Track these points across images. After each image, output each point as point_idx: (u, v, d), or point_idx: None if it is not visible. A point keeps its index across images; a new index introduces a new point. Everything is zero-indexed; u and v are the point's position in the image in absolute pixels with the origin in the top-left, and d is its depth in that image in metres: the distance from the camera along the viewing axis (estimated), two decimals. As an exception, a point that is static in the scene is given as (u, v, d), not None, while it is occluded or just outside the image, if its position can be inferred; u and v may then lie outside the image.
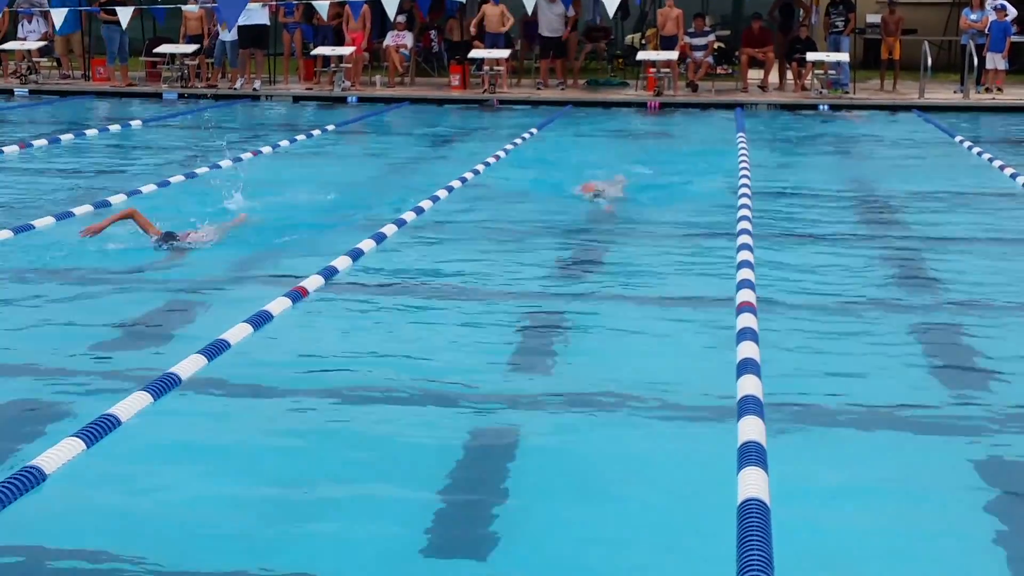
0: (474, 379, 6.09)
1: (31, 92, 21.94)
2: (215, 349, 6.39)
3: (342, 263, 8.45)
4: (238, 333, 6.69)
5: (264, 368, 6.33)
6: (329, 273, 8.16)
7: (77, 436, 5.07)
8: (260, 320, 6.98)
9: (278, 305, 7.29)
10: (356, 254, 8.75)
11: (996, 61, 20.73)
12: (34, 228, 9.71)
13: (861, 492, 4.83)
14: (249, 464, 5.10)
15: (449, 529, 4.49)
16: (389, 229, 9.69)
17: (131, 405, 5.48)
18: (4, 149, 14.47)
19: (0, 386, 5.99)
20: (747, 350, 6.25)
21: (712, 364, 6.31)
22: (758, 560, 3.86)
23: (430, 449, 5.21)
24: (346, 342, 6.83)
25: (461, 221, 10.34)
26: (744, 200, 10.85)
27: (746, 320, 6.83)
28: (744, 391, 5.62)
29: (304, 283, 7.79)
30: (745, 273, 7.98)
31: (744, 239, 9.11)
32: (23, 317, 7.20)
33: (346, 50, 21.55)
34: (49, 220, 9.99)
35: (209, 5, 21.36)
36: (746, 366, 5.99)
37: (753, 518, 4.20)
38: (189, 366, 6.08)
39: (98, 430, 5.18)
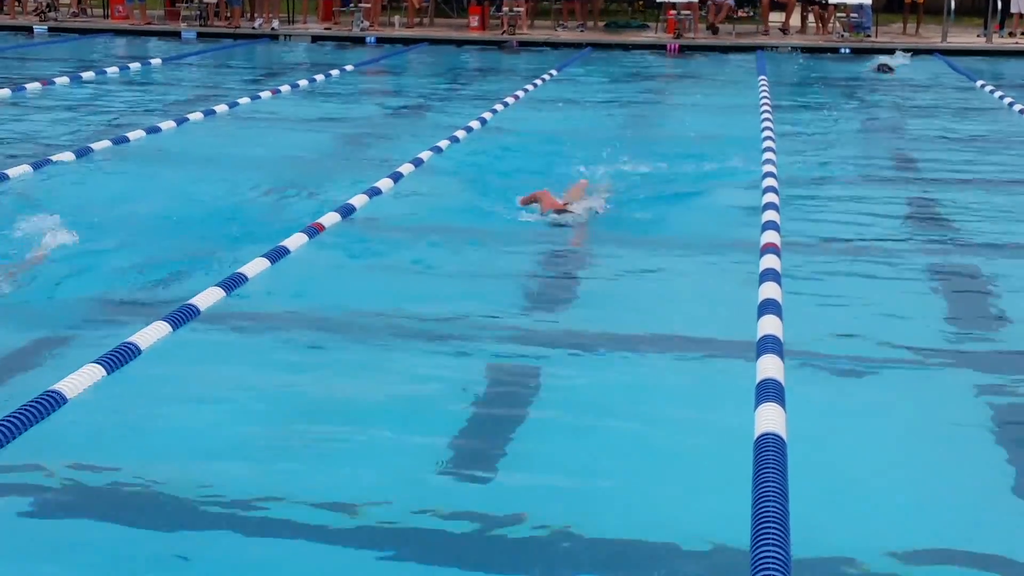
0: (492, 317, 6.08)
1: (50, 30, 21.88)
2: (233, 282, 6.41)
3: (359, 200, 8.44)
4: (255, 267, 6.70)
5: (281, 302, 6.34)
6: (346, 210, 8.15)
7: (98, 363, 5.11)
8: (277, 255, 6.98)
9: (295, 240, 7.29)
10: (373, 192, 8.74)
11: (1020, 5, 20.48)
12: (53, 163, 9.71)
13: (877, 430, 4.82)
14: (263, 395, 5.10)
15: (464, 463, 4.48)
16: (406, 168, 9.66)
17: (150, 334, 5.51)
18: (26, 86, 14.46)
19: (24, 316, 6.02)
20: (769, 291, 6.23)
21: (734, 305, 6.29)
22: (774, 492, 3.86)
23: (445, 385, 5.22)
24: (362, 278, 6.84)
25: (479, 162, 10.29)
26: (767, 143, 10.76)
27: (769, 261, 6.81)
28: (764, 331, 5.60)
29: (321, 219, 7.78)
30: (770, 215, 7.95)
31: (769, 182, 9.06)
32: (47, 247, 7.20)
33: (365, -10, 21.40)
34: (69, 155, 10.00)
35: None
36: (767, 306, 5.97)
37: (769, 452, 4.20)
38: (207, 298, 6.10)
39: (118, 357, 5.22)
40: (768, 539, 3.54)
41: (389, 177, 9.23)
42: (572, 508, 4.07)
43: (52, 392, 4.80)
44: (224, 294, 6.23)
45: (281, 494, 4.13)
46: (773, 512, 3.71)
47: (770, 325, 5.65)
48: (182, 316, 5.82)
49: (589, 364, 5.50)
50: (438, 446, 4.57)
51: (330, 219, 7.87)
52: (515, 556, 3.74)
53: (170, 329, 5.65)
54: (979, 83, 15.77)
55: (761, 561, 3.43)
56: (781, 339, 5.48)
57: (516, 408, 5.01)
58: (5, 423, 4.49)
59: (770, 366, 5.09)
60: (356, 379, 5.31)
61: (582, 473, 4.37)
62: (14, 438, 4.45)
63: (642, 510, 4.08)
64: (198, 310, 5.94)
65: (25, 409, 4.62)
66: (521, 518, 3.99)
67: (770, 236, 7.38)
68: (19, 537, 3.87)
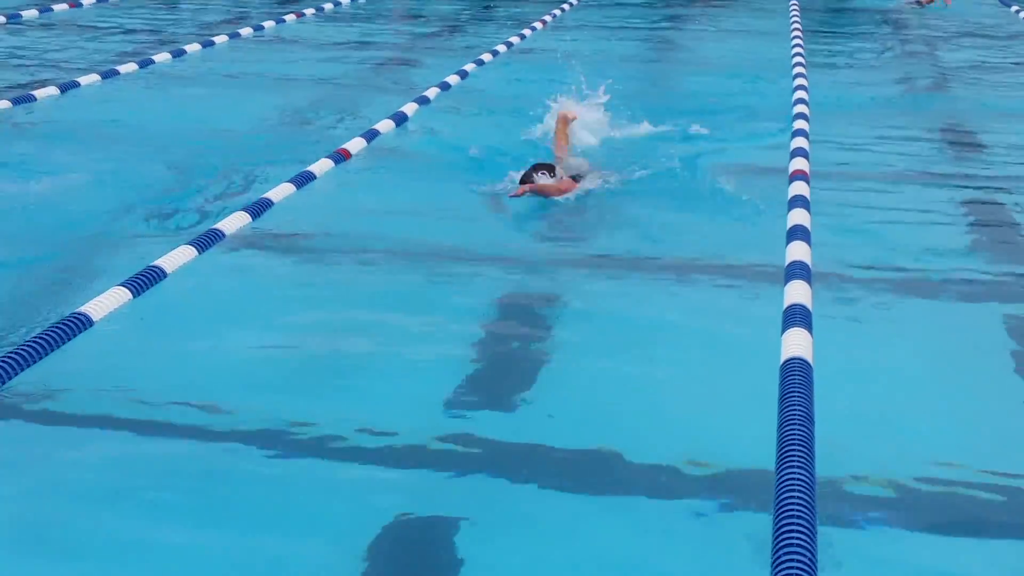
0: (521, 242, 6.03)
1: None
2: (259, 207, 6.40)
3: (385, 126, 8.39)
4: (281, 192, 6.69)
5: (306, 227, 6.32)
6: (371, 135, 8.11)
7: (124, 286, 5.12)
8: (303, 180, 6.96)
9: (321, 166, 7.26)
10: (399, 117, 8.68)
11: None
12: (79, 86, 9.69)
13: (903, 355, 4.78)
14: (288, 320, 5.09)
15: (489, 383, 4.49)
16: (432, 92, 9.58)
17: (176, 258, 5.52)
18: (52, 7, 14.39)
19: (51, 238, 6.04)
20: (798, 217, 6.17)
21: (762, 232, 6.24)
22: (799, 415, 3.84)
23: (473, 310, 5.21)
24: (388, 203, 6.79)
25: (506, 87, 10.18)
26: (798, 69, 10.59)
27: (798, 188, 6.74)
28: (792, 256, 5.55)
29: (347, 145, 7.74)
30: (799, 142, 7.86)
31: (799, 108, 8.94)
32: (73, 173, 7.21)
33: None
34: (95, 77, 9.97)
35: None
36: (796, 232, 5.91)
37: (796, 376, 4.18)
38: (233, 222, 6.09)
39: (144, 281, 5.23)
40: (793, 461, 3.53)
41: (415, 101, 9.15)
42: (600, 431, 4.07)
43: (78, 314, 4.82)
44: (250, 219, 6.22)
45: (305, 419, 4.13)
46: (798, 435, 3.70)
47: (798, 251, 5.60)
48: (207, 240, 5.81)
49: (618, 290, 5.47)
50: (467, 371, 4.56)
51: (356, 144, 7.83)
52: (546, 479, 3.73)
53: (195, 253, 5.65)
54: (1014, 8, 15.43)
55: (786, 482, 3.42)
56: (809, 265, 5.43)
57: (547, 333, 4.99)
58: (32, 344, 4.52)
59: (797, 291, 5.05)
60: (382, 304, 5.30)
61: (611, 396, 4.36)
62: (40, 359, 4.48)
63: (668, 433, 4.06)
64: (223, 234, 5.94)
65: (51, 331, 4.65)
66: (552, 442, 3.98)
67: (799, 163, 7.30)
68: (42, 460, 3.89)
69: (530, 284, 5.55)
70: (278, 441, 3.97)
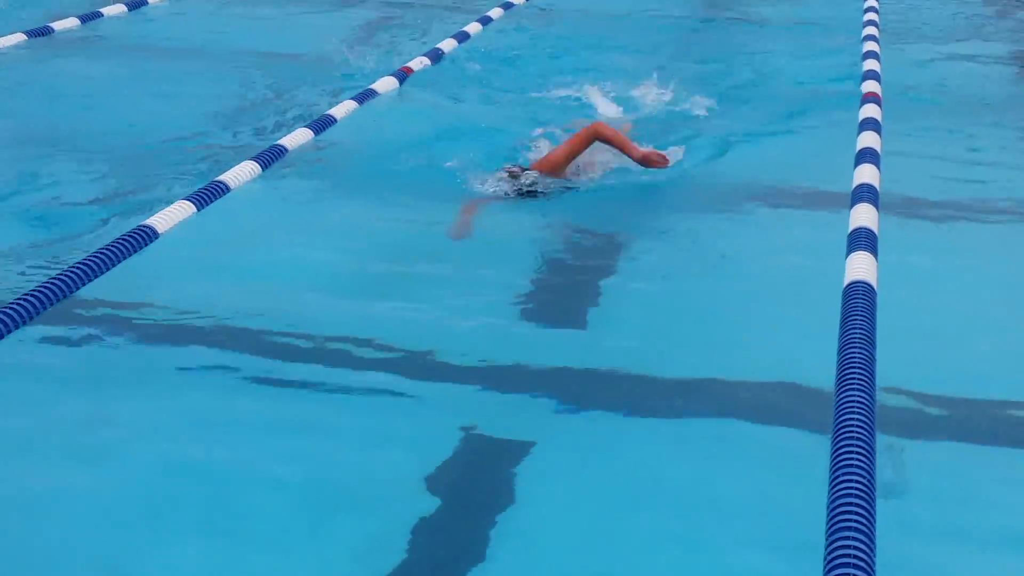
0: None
1: None
2: (322, 124, 6.41)
3: (448, 45, 8.33)
4: (343, 109, 6.69)
5: (368, 144, 6.32)
6: (435, 55, 8.06)
7: (188, 199, 5.17)
8: (365, 97, 6.96)
9: (384, 84, 7.24)
10: (462, 36, 8.61)
11: None
12: (148, 4, 9.72)
13: (968, 283, 4.69)
14: (350, 233, 5.10)
15: (555, 307, 4.46)
16: (496, 13, 9.48)
17: (240, 173, 5.55)
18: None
19: (116, 152, 6.10)
20: (867, 140, 6.05)
21: (830, 156, 6.13)
22: (860, 338, 3.79)
23: (536, 230, 5.18)
24: (450, 120, 6.75)
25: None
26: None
27: (869, 111, 6.60)
28: (860, 179, 5.45)
29: (410, 63, 7.70)
30: (871, 64, 7.68)
31: (870, 30, 8.71)
32: (137, 91, 7.27)
33: None
34: (161, -2, 10.01)
35: None
36: (865, 155, 5.80)
37: (858, 299, 4.12)
38: (296, 139, 6.11)
39: (208, 195, 5.28)
40: (853, 384, 3.49)
41: (478, 22, 9.07)
42: (663, 355, 4.03)
43: (144, 227, 4.88)
44: (312, 135, 6.23)
45: (369, 335, 4.14)
46: (859, 358, 3.65)
47: (866, 174, 5.49)
48: (270, 156, 5.84)
49: (682, 215, 5.39)
50: (529, 289, 4.54)
51: (419, 63, 7.78)
52: (610, 403, 3.72)
53: (259, 169, 5.68)
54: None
55: (845, 405, 3.39)
56: (877, 188, 5.33)
57: (613, 258, 4.94)
58: (99, 255, 4.59)
59: (863, 215, 4.96)
60: (443, 221, 5.29)
61: (674, 321, 4.33)
62: (107, 270, 4.55)
63: (731, 357, 4.02)
64: (285, 149, 5.96)
65: (118, 242, 4.72)
66: (616, 366, 3.96)
67: (870, 86, 7.14)
68: (110, 368, 3.96)
69: (597, 209, 5.48)
70: (344, 358, 3.98)
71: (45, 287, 4.28)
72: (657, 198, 5.61)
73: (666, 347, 4.10)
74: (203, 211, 5.17)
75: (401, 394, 3.77)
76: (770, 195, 5.59)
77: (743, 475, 3.34)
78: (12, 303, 4.12)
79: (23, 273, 4.59)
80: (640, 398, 3.75)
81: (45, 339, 4.06)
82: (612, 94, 7.04)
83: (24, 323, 4.07)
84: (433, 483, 3.27)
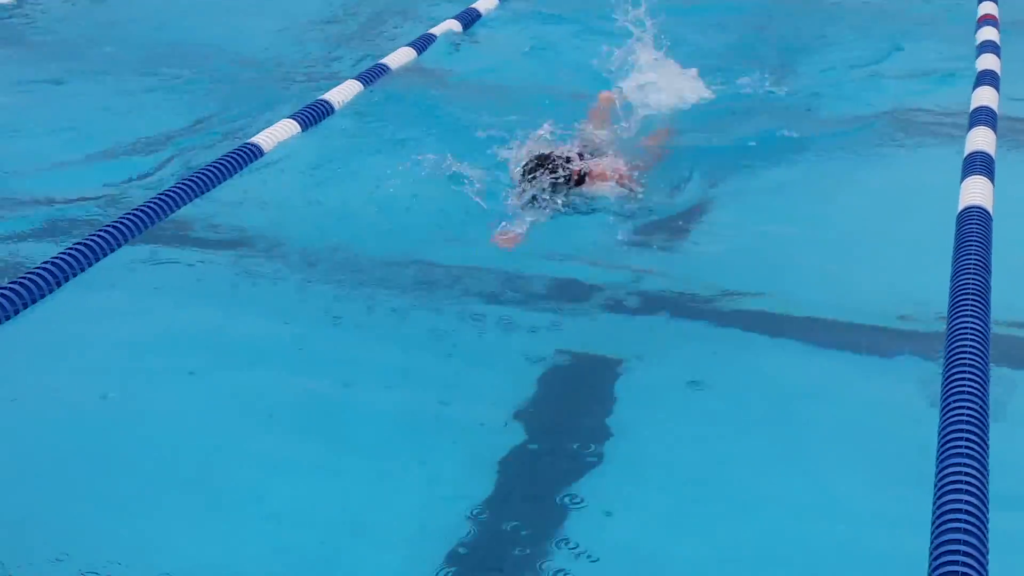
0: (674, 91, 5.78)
1: None
2: (423, 42, 6.39)
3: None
4: (443, 27, 6.67)
5: (468, 64, 6.28)
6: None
7: (292, 118, 5.21)
8: (467, 17, 6.91)
9: (484, 3, 7.18)
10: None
11: None
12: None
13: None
14: (448, 148, 4.99)
15: (658, 235, 4.36)
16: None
17: (343, 92, 5.56)
18: None
19: (222, 72, 6.16)
20: (987, 62, 5.82)
21: (947, 80, 5.91)
22: (975, 264, 3.67)
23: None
24: (554, 42, 6.65)
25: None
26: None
27: (987, 33, 6.35)
28: (978, 102, 5.25)
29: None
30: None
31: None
32: (240, 10, 7.32)
33: None
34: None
35: None
36: (984, 77, 5.58)
37: (973, 224, 3.99)
38: (398, 58, 6.10)
39: (312, 114, 5.30)
40: (966, 310, 3.39)
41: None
42: (772, 282, 3.95)
43: (249, 144, 4.93)
44: (415, 54, 6.22)
45: (468, 260, 4.14)
46: (974, 284, 3.54)
47: (985, 96, 5.29)
48: (373, 74, 5.84)
49: (791, 140, 5.24)
50: (642, 224, 4.43)
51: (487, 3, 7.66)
52: (718, 331, 3.67)
53: (361, 87, 5.69)
54: None
55: (958, 332, 3.29)
56: (996, 112, 5.13)
57: (721, 182, 4.81)
58: (208, 170, 4.66)
59: (981, 138, 4.79)
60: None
61: (784, 248, 4.24)
62: (216, 185, 4.62)
63: (841, 283, 3.93)
64: (388, 68, 5.96)
65: (226, 159, 4.78)
66: (726, 286, 3.93)
67: (988, 7, 6.86)
68: (217, 273, 4.05)
69: (708, 135, 5.34)
70: (446, 287, 3.96)
71: (152, 204, 4.37)
72: (762, 119, 5.46)
73: (774, 275, 4.01)
74: (308, 130, 5.20)
75: (507, 321, 3.74)
76: (884, 120, 5.42)
77: (855, 404, 3.28)
78: (120, 218, 4.21)
79: (128, 191, 4.69)
80: (755, 328, 3.68)
81: (153, 256, 4.14)
82: None
83: (131, 238, 4.16)
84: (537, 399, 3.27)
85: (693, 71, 5.73)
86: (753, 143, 5.11)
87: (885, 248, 4.15)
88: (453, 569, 2.62)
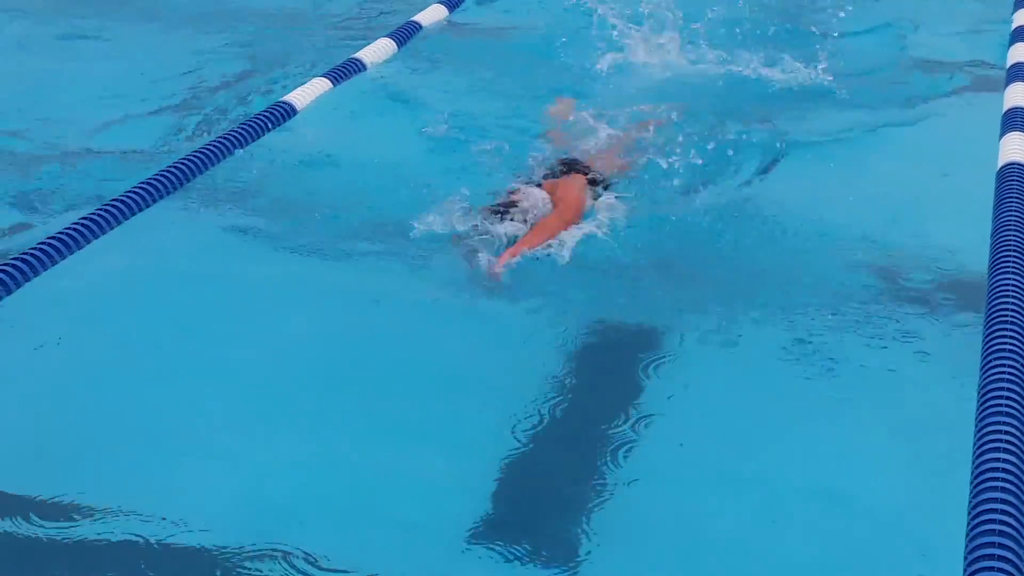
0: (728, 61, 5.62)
1: None
2: (454, 0, 6.37)
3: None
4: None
5: (500, 20, 6.24)
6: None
7: (325, 76, 5.20)
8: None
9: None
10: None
11: None
12: None
13: None
14: (481, 106, 5.04)
15: (710, 171, 4.32)
16: None
17: (376, 51, 5.55)
18: None
19: (258, 32, 6.15)
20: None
21: (983, 36, 5.83)
22: (1015, 221, 3.64)
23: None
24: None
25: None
26: None
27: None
28: (1016, 58, 5.18)
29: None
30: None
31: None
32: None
33: None
34: None
35: None
36: (1021, 33, 5.50)
37: (1013, 181, 3.94)
38: (430, 15, 6.08)
39: (344, 72, 5.30)
40: (1007, 267, 3.36)
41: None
42: (809, 232, 3.93)
43: (283, 103, 4.93)
44: (447, 12, 6.19)
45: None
46: (1014, 241, 3.51)
47: (1023, 52, 5.22)
48: (406, 33, 5.82)
49: (828, 93, 5.18)
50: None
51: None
52: (772, 277, 3.68)
53: (394, 46, 5.67)
54: None
55: (998, 289, 3.27)
56: (1034, 68, 5.06)
57: (758, 140, 4.74)
58: (243, 128, 4.67)
59: (1020, 94, 4.72)
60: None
61: (822, 196, 4.22)
62: (250, 143, 4.62)
63: (879, 237, 3.91)
64: (420, 26, 5.94)
65: (258, 118, 4.78)
66: (767, 231, 3.92)
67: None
68: (252, 225, 4.07)
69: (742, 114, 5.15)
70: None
71: (192, 157, 4.38)
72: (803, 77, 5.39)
73: (811, 224, 3.98)
74: (339, 86, 5.20)
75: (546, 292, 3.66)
76: (919, 64, 5.34)
77: (894, 358, 3.27)
78: (157, 174, 4.23)
79: (168, 149, 4.71)
80: (794, 269, 3.69)
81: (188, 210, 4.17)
82: None
83: (171, 192, 4.19)
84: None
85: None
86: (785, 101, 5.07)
87: (924, 207, 4.11)
88: (481, 522, 2.63)
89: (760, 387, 3.17)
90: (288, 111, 4.90)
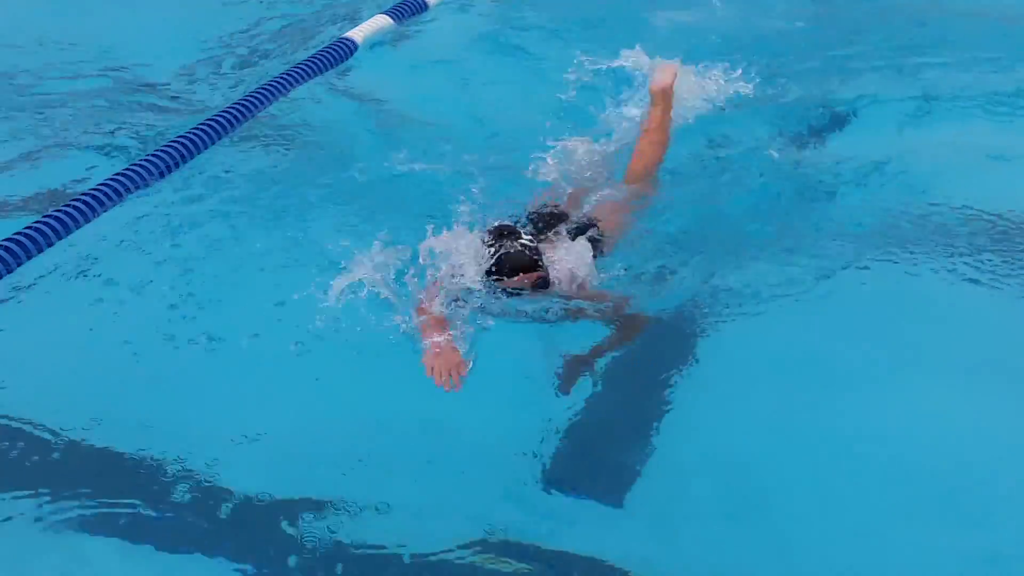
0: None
1: None
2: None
3: None
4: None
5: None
6: None
7: (387, 13, 5.18)
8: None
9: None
10: None
11: None
12: None
13: None
14: (546, 50, 4.98)
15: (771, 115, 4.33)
16: None
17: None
18: None
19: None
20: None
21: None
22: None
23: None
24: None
25: None
26: None
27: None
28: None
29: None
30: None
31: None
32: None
33: None
34: None
35: None
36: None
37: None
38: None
39: (406, 8, 5.27)
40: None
41: None
42: (879, 180, 3.90)
43: (345, 39, 4.93)
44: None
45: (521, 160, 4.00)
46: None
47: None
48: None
49: (898, 40, 5.06)
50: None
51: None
52: (828, 221, 3.66)
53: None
54: None
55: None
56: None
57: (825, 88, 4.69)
58: (310, 62, 4.67)
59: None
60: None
61: (890, 145, 4.13)
62: (308, 80, 4.63)
63: (946, 183, 3.83)
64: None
65: (321, 55, 4.79)
66: (833, 185, 3.89)
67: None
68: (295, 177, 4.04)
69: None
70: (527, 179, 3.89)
71: (256, 94, 4.40)
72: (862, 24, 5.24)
73: (881, 172, 3.94)
74: (401, 23, 5.17)
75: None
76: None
77: (959, 296, 3.25)
78: (221, 112, 4.25)
79: (234, 86, 4.73)
80: (855, 219, 3.65)
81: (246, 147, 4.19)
82: None
83: (231, 130, 4.22)
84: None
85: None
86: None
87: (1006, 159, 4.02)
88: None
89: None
90: (350, 47, 4.89)
